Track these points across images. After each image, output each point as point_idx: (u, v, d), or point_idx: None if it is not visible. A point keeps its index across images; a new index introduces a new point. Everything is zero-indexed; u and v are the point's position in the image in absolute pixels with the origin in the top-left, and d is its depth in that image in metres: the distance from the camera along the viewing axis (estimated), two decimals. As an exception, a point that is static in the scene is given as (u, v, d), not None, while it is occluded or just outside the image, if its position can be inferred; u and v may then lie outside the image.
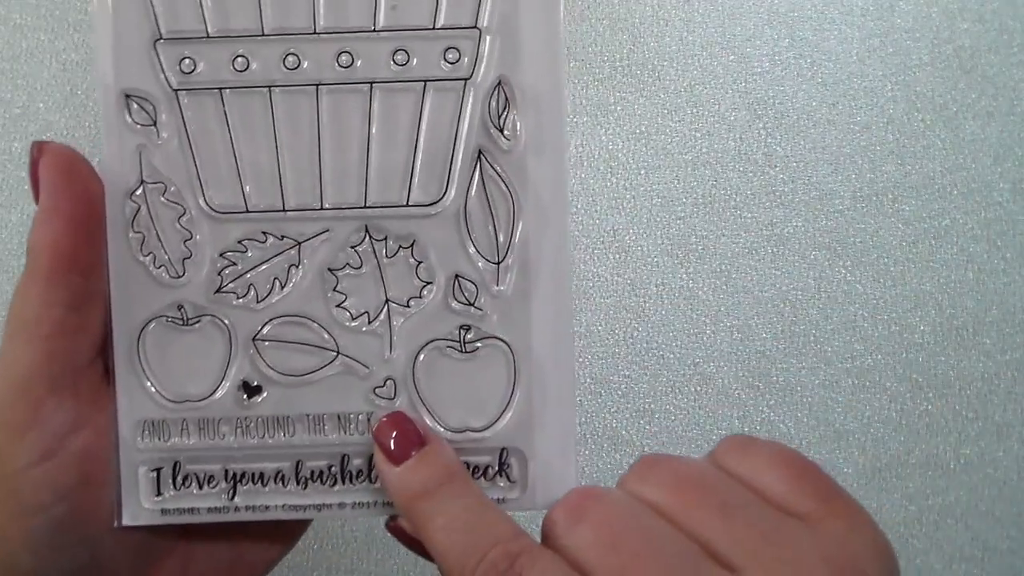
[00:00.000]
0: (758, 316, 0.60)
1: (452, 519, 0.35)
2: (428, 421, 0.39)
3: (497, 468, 0.39)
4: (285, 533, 0.42)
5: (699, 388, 0.60)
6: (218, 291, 0.38)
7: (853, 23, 0.60)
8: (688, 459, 0.36)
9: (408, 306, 0.39)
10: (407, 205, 0.38)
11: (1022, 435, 0.60)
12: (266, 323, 0.39)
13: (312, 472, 0.39)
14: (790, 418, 0.60)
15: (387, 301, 0.39)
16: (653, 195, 0.60)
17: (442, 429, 0.39)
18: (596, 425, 0.59)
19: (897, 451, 0.60)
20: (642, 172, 0.60)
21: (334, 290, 0.39)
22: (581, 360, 0.59)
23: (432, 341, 0.39)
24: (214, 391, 0.39)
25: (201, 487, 0.39)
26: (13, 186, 0.60)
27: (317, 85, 0.38)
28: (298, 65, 0.38)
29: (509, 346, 0.39)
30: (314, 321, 0.39)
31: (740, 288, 0.60)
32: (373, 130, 0.38)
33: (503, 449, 0.39)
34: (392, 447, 0.36)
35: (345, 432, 0.39)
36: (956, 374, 0.60)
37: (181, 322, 0.38)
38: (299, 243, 0.38)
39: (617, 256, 0.60)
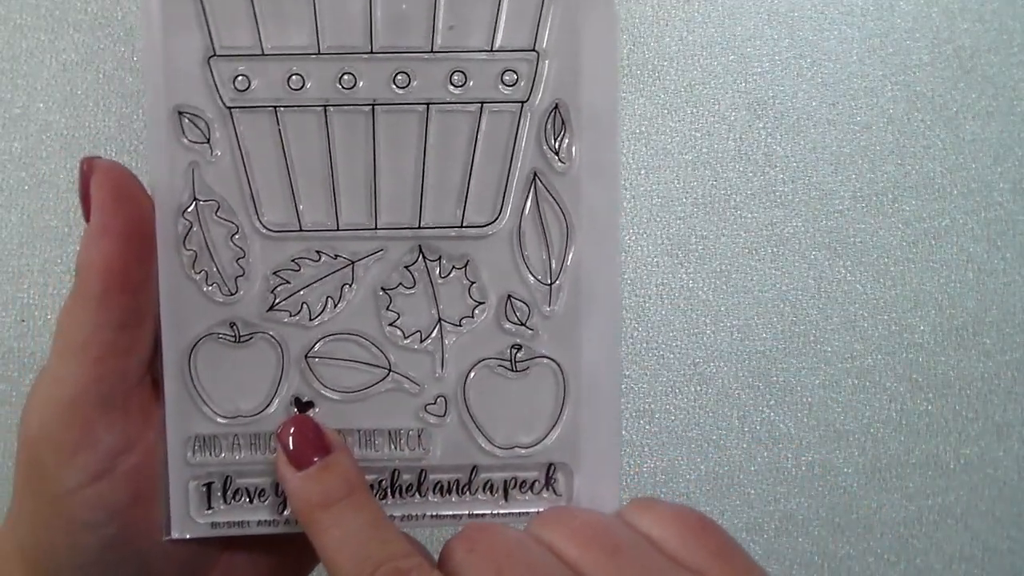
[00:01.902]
0: (758, 316, 0.60)
1: (348, 533, 0.34)
2: (478, 438, 0.39)
3: (544, 482, 0.39)
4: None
5: (699, 388, 0.60)
6: (271, 309, 0.38)
7: (853, 23, 0.60)
8: (592, 511, 0.36)
9: (460, 325, 0.39)
10: (461, 226, 0.38)
11: (1022, 435, 0.61)
12: (318, 340, 0.38)
13: None
14: (790, 418, 0.60)
15: (440, 320, 0.38)
16: (653, 195, 0.60)
17: (491, 445, 0.39)
18: None
19: (897, 451, 0.60)
20: (642, 172, 0.60)
21: (387, 308, 0.38)
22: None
23: (483, 360, 0.38)
24: (266, 407, 0.38)
25: (251, 501, 0.39)
26: (13, 186, 0.58)
27: (373, 105, 0.37)
28: (354, 84, 0.37)
29: (559, 365, 0.39)
30: (366, 339, 0.38)
31: (740, 288, 0.60)
32: (428, 151, 0.38)
33: (550, 464, 0.39)
34: (292, 449, 0.36)
35: (396, 448, 0.39)
36: (956, 374, 0.60)
37: (233, 339, 0.38)
38: (353, 262, 0.38)
39: None
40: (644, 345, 0.60)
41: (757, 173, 0.60)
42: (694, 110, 0.60)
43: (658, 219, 0.60)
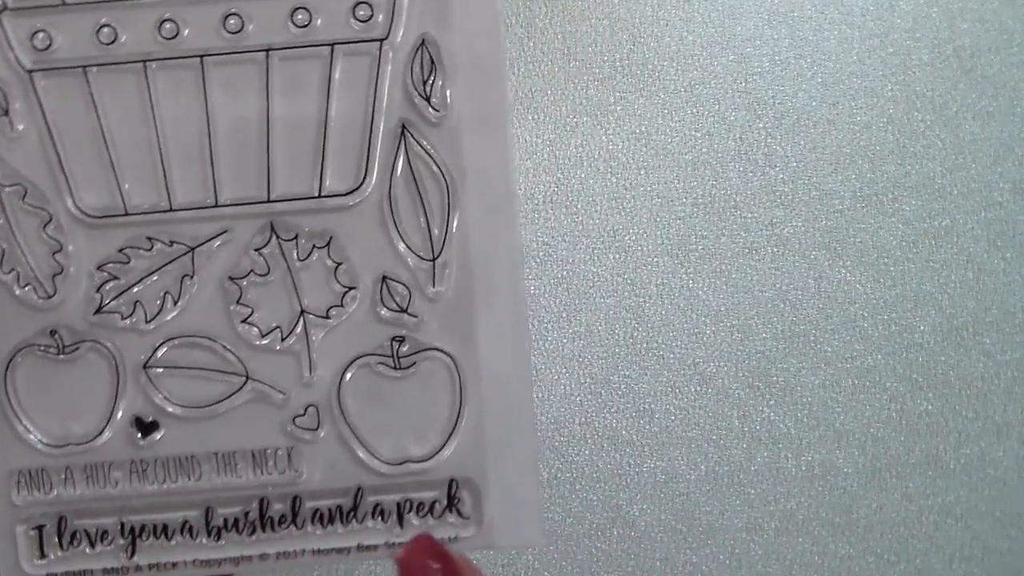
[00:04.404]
0: (758, 316, 0.58)
1: None
2: (360, 453, 0.32)
3: (446, 503, 0.32)
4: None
5: (699, 388, 0.58)
6: (98, 311, 0.30)
7: (853, 23, 0.58)
8: None
9: (328, 317, 0.31)
10: (320, 196, 0.31)
11: (1022, 435, 0.59)
12: (158, 347, 0.31)
13: (226, 520, 0.31)
14: (790, 418, 0.58)
15: (302, 312, 0.31)
16: (653, 195, 0.57)
17: (377, 462, 0.32)
18: (596, 425, 0.57)
19: (897, 451, 0.59)
20: (642, 172, 0.57)
21: (238, 303, 0.31)
22: (581, 360, 0.56)
23: (360, 357, 0.31)
24: (101, 431, 0.31)
25: (93, 545, 0.32)
26: None
27: (202, 56, 0.31)
28: (176, 33, 0.31)
29: (452, 358, 0.31)
30: (216, 341, 0.31)
31: (740, 288, 0.57)
32: (274, 107, 0.31)
33: (452, 480, 0.32)
34: None
35: (262, 471, 0.32)
36: (956, 374, 0.59)
37: (56, 351, 0.31)
38: (192, 248, 0.31)
39: (617, 256, 0.57)
40: (644, 345, 0.57)
41: (757, 173, 0.57)
42: (694, 110, 0.57)
43: (658, 219, 0.57)
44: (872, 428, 0.59)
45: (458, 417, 0.31)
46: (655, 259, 0.58)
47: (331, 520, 0.31)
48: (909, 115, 0.58)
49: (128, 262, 0.31)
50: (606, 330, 0.57)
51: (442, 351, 0.31)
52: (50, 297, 0.30)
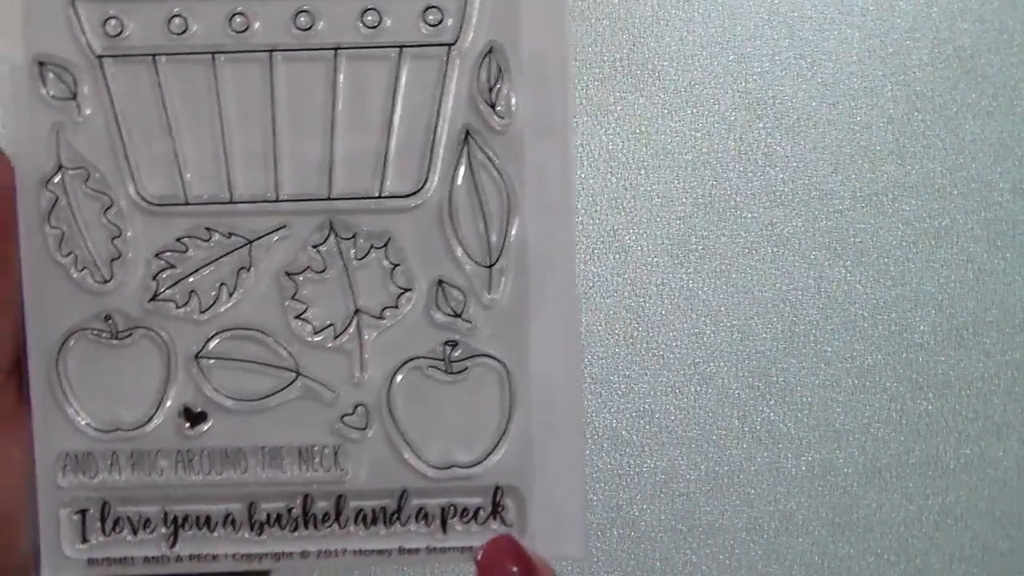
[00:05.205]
0: (758, 316, 0.58)
1: None
2: (407, 455, 0.32)
3: (490, 510, 0.32)
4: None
5: (699, 388, 0.58)
6: (153, 299, 0.30)
7: (853, 23, 0.59)
8: None
9: (382, 317, 0.31)
10: (380, 197, 0.31)
11: (1022, 435, 0.60)
12: (211, 337, 0.30)
13: (268, 515, 0.31)
14: (790, 418, 0.59)
15: (357, 312, 0.31)
16: (653, 195, 0.58)
17: (423, 465, 0.32)
18: (596, 425, 0.58)
19: (897, 451, 0.59)
20: (642, 172, 0.58)
21: (293, 298, 0.31)
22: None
23: (411, 360, 0.30)
24: (150, 419, 0.30)
25: (136, 532, 0.32)
26: None
27: (271, 51, 0.30)
28: (247, 27, 0.31)
29: (504, 365, 0.31)
30: (269, 335, 0.30)
31: (740, 288, 0.58)
32: (339, 106, 0.31)
33: (497, 488, 0.32)
34: None
35: (308, 468, 0.32)
36: (956, 374, 0.59)
37: (109, 336, 0.31)
38: (250, 242, 0.30)
39: (617, 256, 0.58)
40: (644, 345, 0.58)
41: (757, 173, 0.58)
42: (694, 110, 0.58)
43: (658, 219, 0.58)
44: (872, 428, 0.59)
45: (507, 425, 0.31)
46: (655, 259, 0.58)
47: (374, 521, 0.31)
48: (909, 115, 0.59)
49: (186, 251, 0.30)
50: (606, 330, 0.57)
51: (494, 358, 0.31)
52: (106, 282, 0.30)
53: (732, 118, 0.58)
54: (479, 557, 0.30)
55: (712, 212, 0.58)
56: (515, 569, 0.29)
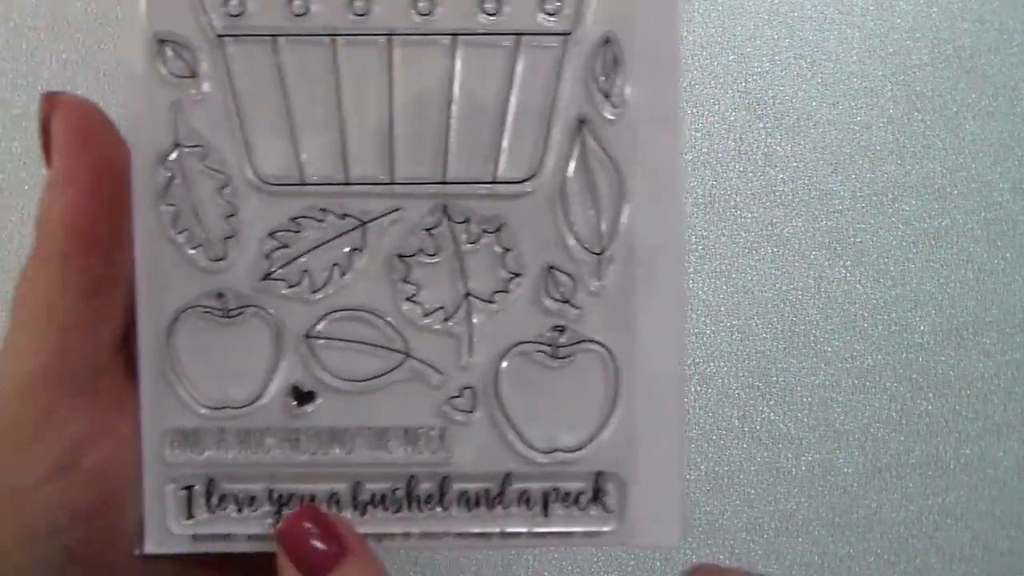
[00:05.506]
0: (758, 316, 0.58)
1: None
2: (512, 439, 0.32)
3: (591, 495, 0.32)
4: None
5: (699, 388, 0.58)
6: (266, 278, 0.30)
7: (853, 23, 0.59)
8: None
9: (492, 302, 0.31)
10: (494, 182, 0.31)
11: (1022, 435, 0.59)
12: (322, 317, 0.30)
13: (373, 496, 0.31)
14: (790, 418, 0.58)
15: (467, 295, 0.31)
16: None
17: (528, 449, 0.32)
18: None
19: (897, 451, 0.59)
20: None
21: (404, 280, 0.31)
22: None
23: (519, 344, 0.31)
24: (258, 397, 0.31)
25: (240, 510, 0.32)
26: (13, 186, 0.54)
27: (390, 36, 0.31)
28: (368, 11, 0.31)
29: (610, 352, 0.31)
30: (379, 317, 0.31)
31: (740, 288, 0.58)
32: (456, 91, 0.31)
33: (599, 473, 0.32)
34: (305, 557, 0.29)
35: (413, 450, 0.32)
36: (956, 374, 0.59)
37: (221, 313, 0.31)
38: (364, 223, 0.31)
39: None
40: None
41: (757, 173, 0.58)
42: (694, 110, 0.58)
43: None
44: (872, 428, 0.58)
45: (611, 411, 0.31)
46: (654, 259, 0.59)
47: (477, 503, 0.31)
48: (909, 115, 0.58)
49: (299, 231, 0.31)
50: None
51: (601, 344, 0.31)
52: (219, 260, 0.31)
53: (732, 118, 0.58)
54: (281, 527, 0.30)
55: (712, 212, 0.58)
56: (316, 530, 0.29)
